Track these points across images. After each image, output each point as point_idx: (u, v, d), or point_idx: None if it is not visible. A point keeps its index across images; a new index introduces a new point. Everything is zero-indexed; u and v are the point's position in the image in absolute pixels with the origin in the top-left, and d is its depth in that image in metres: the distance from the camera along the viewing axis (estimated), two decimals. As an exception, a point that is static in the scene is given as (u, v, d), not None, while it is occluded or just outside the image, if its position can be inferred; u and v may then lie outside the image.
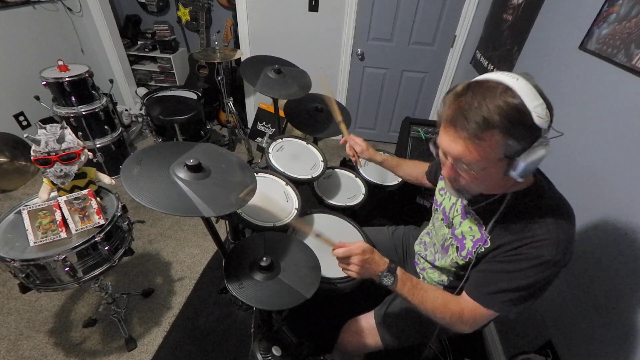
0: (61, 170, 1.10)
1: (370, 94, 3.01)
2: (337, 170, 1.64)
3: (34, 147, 1.06)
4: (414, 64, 2.78)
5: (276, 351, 0.98)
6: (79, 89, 2.11)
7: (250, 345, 1.02)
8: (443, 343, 1.41)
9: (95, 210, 1.12)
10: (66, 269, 1.04)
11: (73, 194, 1.11)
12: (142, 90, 3.17)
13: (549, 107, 0.61)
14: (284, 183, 1.32)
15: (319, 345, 1.18)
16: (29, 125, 2.53)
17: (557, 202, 0.73)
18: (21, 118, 2.48)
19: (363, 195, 1.49)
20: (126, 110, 3.06)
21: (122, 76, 3.22)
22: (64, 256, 1.02)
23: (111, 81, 2.44)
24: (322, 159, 1.45)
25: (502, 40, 1.89)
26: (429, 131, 2.03)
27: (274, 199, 1.26)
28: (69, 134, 1.11)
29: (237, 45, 3.00)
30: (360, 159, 1.25)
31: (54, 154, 1.07)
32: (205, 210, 0.78)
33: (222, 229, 1.86)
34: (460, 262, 0.86)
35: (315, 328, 1.34)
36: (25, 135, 1.12)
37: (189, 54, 3.31)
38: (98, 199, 1.17)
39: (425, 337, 1.02)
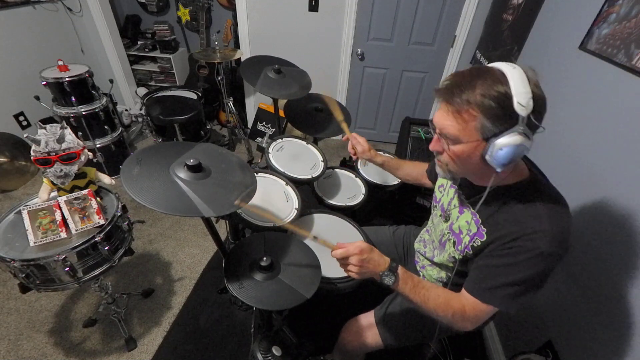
0: (61, 170, 1.10)
1: (370, 94, 3.01)
2: (337, 170, 1.64)
3: (34, 147, 1.06)
4: (414, 64, 2.78)
5: (276, 351, 0.98)
6: (79, 89, 2.11)
7: (250, 345, 1.02)
8: (443, 343, 1.41)
9: (95, 210, 1.12)
10: (66, 269, 1.04)
11: (73, 194, 1.11)
12: (142, 90, 3.17)
13: (540, 100, 0.62)
14: (284, 183, 1.32)
15: (319, 345, 1.18)
16: (29, 125, 2.53)
17: (552, 196, 0.74)
18: (21, 118, 2.48)
19: (363, 195, 1.49)
20: (126, 110, 3.06)
21: (122, 76, 3.22)
22: (64, 256, 1.02)
23: (111, 81, 2.44)
24: (322, 159, 1.45)
25: (502, 40, 1.89)
26: (429, 131, 2.04)
27: (274, 199, 1.27)
28: (69, 134, 1.11)
29: (237, 45, 3.00)
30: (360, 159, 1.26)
31: (54, 154, 1.07)
32: (205, 210, 0.78)
33: (222, 229, 1.86)
34: (458, 257, 0.86)
35: (315, 328, 1.34)
36: (25, 135, 1.12)
37: (189, 54, 3.31)
38: (98, 199, 1.17)
39: (426, 336, 1.02)
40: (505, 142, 0.62)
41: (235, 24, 2.93)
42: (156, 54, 3.36)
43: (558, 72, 1.34)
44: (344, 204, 1.42)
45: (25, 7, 2.38)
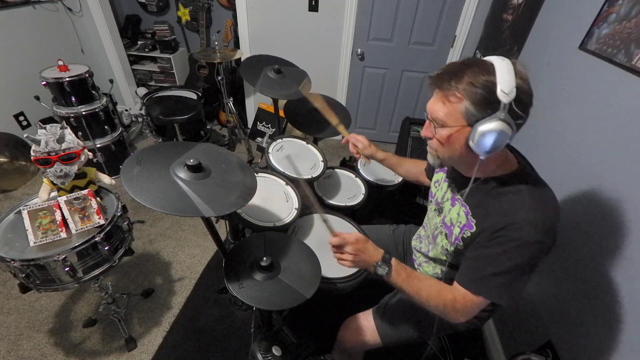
0: (61, 170, 1.10)
1: (370, 94, 3.01)
2: (337, 170, 1.64)
3: (34, 147, 1.06)
4: (414, 64, 2.78)
5: (276, 351, 0.98)
6: (79, 89, 2.11)
7: (250, 345, 1.02)
8: (443, 343, 1.41)
9: (95, 210, 1.12)
10: (66, 269, 1.04)
11: (73, 194, 1.11)
12: (142, 90, 3.17)
13: (524, 93, 0.65)
14: (284, 183, 1.32)
15: (319, 345, 1.18)
16: (29, 125, 2.53)
17: (538, 187, 0.76)
18: (21, 118, 2.48)
19: (363, 195, 1.49)
20: (126, 110, 3.06)
21: (122, 76, 3.22)
22: (64, 256, 1.02)
23: (111, 81, 2.44)
24: (322, 159, 1.45)
25: (502, 40, 1.89)
26: (429, 131, 2.03)
27: (274, 199, 1.27)
28: (69, 134, 1.11)
29: (237, 45, 3.00)
30: (361, 157, 1.27)
31: (54, 154, 1.07)
32: (205, 210, 0.78)
33: (222, 229, 1.87)
34: (450, 249, 0.88)
35: (315, 328, 1.34)
36: (25, 135, 1.12)
37: (189, 54, 3.31)
38: (98, 199, 1.17)
39: (424, 334, 1.02)
40: (487, 128, 0.65)
41: (235, 24, 2.93)
42: (156, 54, 3.36)
43: (558, 72, 1.34)
44: (344, 204, 1.42)
45: (25, 7, 2.38)
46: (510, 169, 0.78)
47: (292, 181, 1.32)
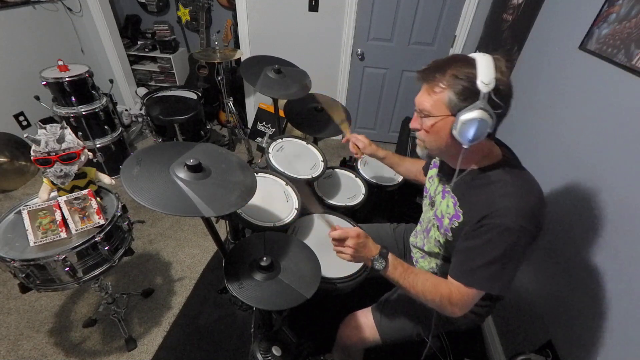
0: (61, 170, 1.10)
1: (370, 94, 3.00)
2: (337, 170, 1.64)
3: (34, 147, 1.06)
4: (414, 64, 2.78)
5: (276, 351, 0.98)
6: (79, 89, 2.11)
7: (250, 345, 1.02)
8: (443, 343, 1.41)
9: (95, 210, 1.12)
10: (66, 269, 1.04)
11: (73, 194, 1.11)
12: (142, 90, 3.17)
13: (503, 85, 0.69)
14: (284, 183, 1.32)
15: (318, 345, 1.18)
16: (29, 125, 2.53)
17: (520, 176, 0.79)
18: (21, 118, 2.48)
19: (363, 195, 1.49)
20: (126, 110, 3.06)
21: (122, 76, 3.22)
22: (64, 256, 1.02)
23: (111, 81, 2.44)
24: (322, 159, 1.45)
25: (502, 40, 1.89)
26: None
27: (274, 199, 1.27)
28: (69, 134, 1.11)
29: (237, 45, 3.00)
30: (362, 156, 1.29)
31: (54, 154, 1.07)
32: (205, 210, 0.78)
33: (222, 229, 1.86)
34: (442, 240, 0.91)
35: (315, 328, 1.34)
36: (25, 135, 1.12)
37: (189, 54, 3.31)
38: (98, 199, 1.17)
39: (423, 330, 1.03)
40: (468, 117, 0.69)
41: (235, 24, 2.93)
42: (156, 54, 3.36)
43: (558, 72, 1.34)
44: (344, 204, 1.42)
45: (25, 7, 2.38)
46: (494, 160, 0.81)
47: (292, 181, 1.32)
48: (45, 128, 1.08)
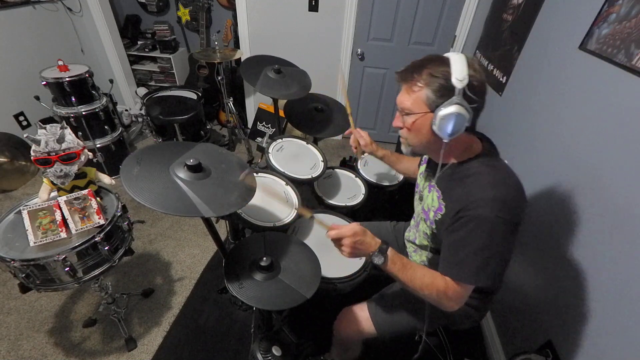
0: (61, 170, 1.10)
1: (370, 94, 3.00)
2: (337, 170, 1.64)
3: (34, 147, 1.06)
4: (414, 64, 2.77)
5: (276, 351, 0.98)
6: (79, 89, 2.11)
7: (250, 345, 1.02)
8: (443, 343, 1.41)
9: (95, 210, 1.12)
10: (66, 269, 1.04)
11: (73, 194, 1.11)
12: (142, 90, 3.16)
13: (476, 81, 0.73)
14: (284, 183, 1.32)
15: (318, 345, 1.19)
16: (29, 125, 2.53)
17: (497, 169, 0.82)
18: (21, 118, 2.48)
19: (363, 195, 1.50)
20: (126, 110, 3.06)
21: (122, 76, 3.22)
22: (64, 256, 1.02)
23: (111, 81, 2.44)
24: (322, 159, 1.45)
25: (502, 40, 1.89)
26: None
27: (274, 199, 1.26)
28: (69, 134, 1.11)
29: (237, 45, 3.00)
30: (361, 153, 1.30)
31: (54, 154, 1.07)
32: (205, 210, 0.78)
33: (222, 229, 1.87)
34: (429, 232, 0.95)
35: (315, 328, 1.34)
36: (25, 135, 1.12)
37: (189, 54, 3.31)
38: (98, 199, 1.17)
39: (418, 323, 1.03)
40: (445, 112, 0.73)
41: (235, 24, 2.93)
42: (156, 54, 3.36)
43: (558, 72, 1.34)
44: (344, 204, 1.42)
45: (25, 7, 2.38)
46: (474, 153, 0.84)
47: (291, 181, 1.32)
48: (45, 128, 1.08)
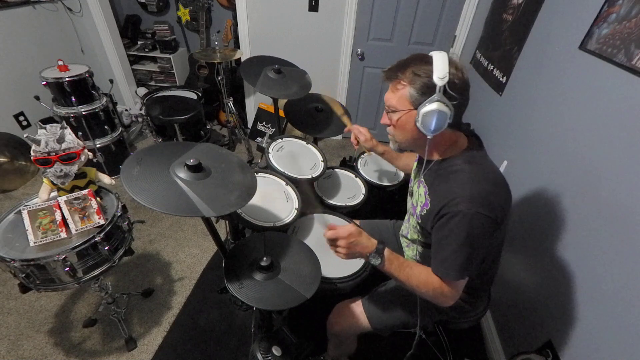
0: (61, 170, 1.10)
1: (370, 94, 3.00)
2: (337, 170, 1.64)
3: (34, 147, 1.06)
4: (414, 64, 2.77)
5: (276, 351, 0.98)
6: (79, 89, 2.11)
7: (250, 345, 1.02)
8: (443, 343, 1.41)
9: (95, 210, 1.12)
10: (66, 269, 1.04)
11: (73, 194, 1.11)
12: (142, 90, 3.17)
13: (457, 79, 0.76)
14: (284, 183, 1.32)
15: (318, 345, 1.18)
16: (29, 125, 2.53)
17: (480, 165, 0.83)
18: (21, 118, 2.48)
19: (363, 195, 1.50)
20: (126, 110, 3.06)
21: (122, 76, 3.22)
22: (64, 256, 1.02)
23: (111, 81, 2.44)
24: (322, 159, 1.45)
25: (502, 40, 1.89)
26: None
27: (274, 199, 1.27)
28: (69, 134, 1.11)
29: (237, 45, 3.00)
30: (360, 148, 1.33)
31: (54, 154, 1.07)
32: (205, 210, 0.78)
33: (222, 229, 1.86)
34: (417, 226, 0.96)
35: (315, 328, 1.34)
36: (25, 135, 1.12)
37: (189, 54, 3.31)
38: (98, 199, 1.17)
39: (411, 317, 1.03)
40: (427, 109, 0.76)
41: (235, 24, 2.93)
42: (156, 54, 3.36)
43: (558, 72, 1.34)
44: (344, 204, 1.42)
45: (25, 7, 2.38)
46: (458, 150, 0.86)
47: (292, 181, 1.32)
48: (45, 128, 1.08)
